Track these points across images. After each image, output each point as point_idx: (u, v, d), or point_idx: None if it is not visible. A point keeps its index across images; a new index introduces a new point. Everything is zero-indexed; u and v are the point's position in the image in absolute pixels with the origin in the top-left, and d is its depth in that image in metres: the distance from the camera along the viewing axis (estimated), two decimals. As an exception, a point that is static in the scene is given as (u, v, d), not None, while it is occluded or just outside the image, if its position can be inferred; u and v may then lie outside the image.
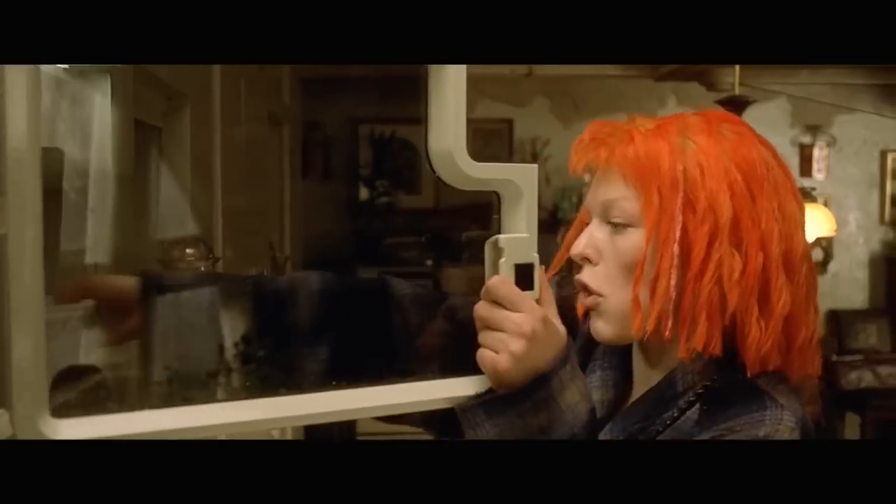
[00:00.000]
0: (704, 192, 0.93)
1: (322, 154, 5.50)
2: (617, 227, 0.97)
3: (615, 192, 0.97)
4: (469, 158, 0.87)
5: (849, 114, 5.75)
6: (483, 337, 0.89)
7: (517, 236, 0.91)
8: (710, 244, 0.92)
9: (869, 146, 5.89)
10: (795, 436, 0.91)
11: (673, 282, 0.93)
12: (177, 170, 1.61)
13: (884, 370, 5.43)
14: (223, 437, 0.87)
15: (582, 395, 0.91)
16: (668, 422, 0.96)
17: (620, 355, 1.06)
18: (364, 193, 5.50)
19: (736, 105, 3.59)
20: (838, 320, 5.79)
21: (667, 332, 0.95)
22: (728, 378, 0.96)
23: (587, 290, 1.00)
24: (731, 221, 0.93)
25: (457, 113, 0.87)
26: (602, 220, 0.99)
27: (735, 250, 0.93)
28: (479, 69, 4.53)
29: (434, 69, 0.88)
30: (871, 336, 5.71)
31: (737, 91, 3.66)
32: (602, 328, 1.00)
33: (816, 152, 5.81)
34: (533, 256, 0.91)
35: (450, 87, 0.87)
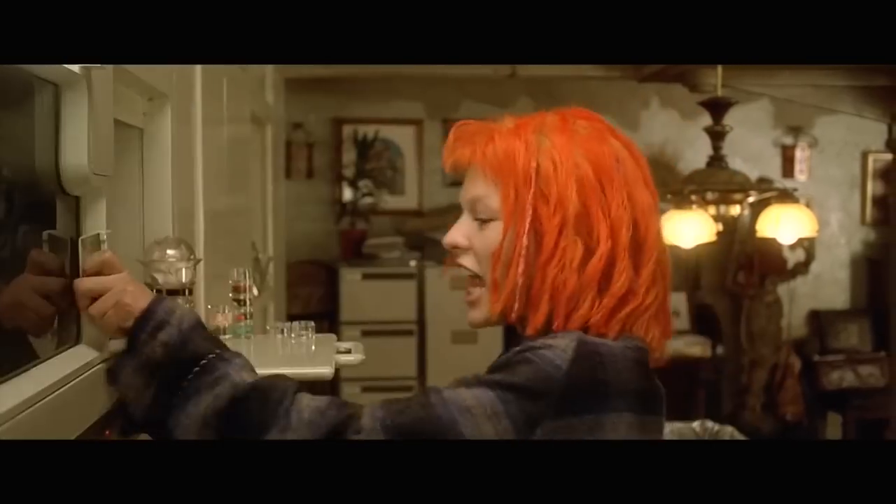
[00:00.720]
0: (556, 186, 1.02)
1: (305, 154, 5.48)
2: (482, 221, 1.08)
3: (478, 190, 1.08)
4: (92, 170, 1.04)
5: (830, 115, 5.78)
6: (96, 305, 1.04)
7: (108, 231, 1.10)
8: (559, 233, 1.02)
9: (850, 147, 5.92)
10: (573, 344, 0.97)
11: (521, 269, 1.03)
12: (158, 170, 1.60)
13: (865, 370, 5.47)
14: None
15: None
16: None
17: None
18: (347, 194, 5.48)
19: (718, 106, 3.60)
20: (820, 320, 5.82)
21: (512, 315, 1.05)
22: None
23: (470, 275, 1.10)
24: (579, 212, 1.02)
25: (88, 128, 1.01)
26: (470, 214, 1.10)
27: (579, 239, 1.02)
28: (463, 70, 4.51)
29: (66, 88, 1.00)
30: (852, 336, 5.75)
31: (719, 92, 3.67)
32: (473, 317, 1.11)
33: (798, 153, 5.84)
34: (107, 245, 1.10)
35: (81, 105, 1.00)
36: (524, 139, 1.05)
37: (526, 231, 1.03)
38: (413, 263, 5.15)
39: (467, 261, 1.10)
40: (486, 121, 1.12)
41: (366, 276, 5.10)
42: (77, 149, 1.02)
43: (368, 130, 5.42)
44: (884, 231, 5.82)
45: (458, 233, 1.10)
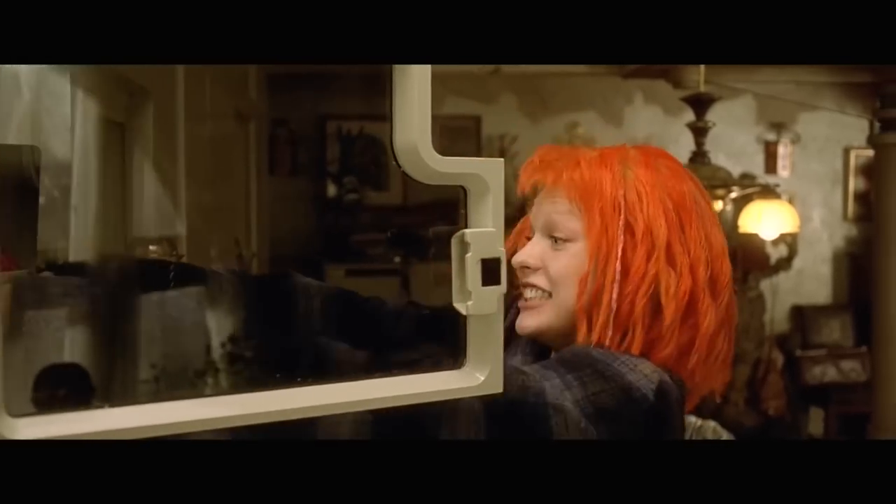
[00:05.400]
0: (643, 216, 1.04)
1: (289, 150, 5.47)
2: (558, 241, 1.08)
3: (560, 212, 1.08)
4: (435, 153, 0.88)
5: (813, 111, 5.81)
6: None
7: (483, 231, 0.91)
8: (647, 262, 1.03)
9: (832, 143, 5.96)
10: (657, 377, 0.99)
11: (615, 295, 1.03)
12: (140, 166, 1.59)
13: (847, 365, 5.51)
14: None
15: None
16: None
17: (539, 347, 1.16)
18: (331, 190, 5.47)
19: (701, 102, 3.61)
20: (802, 315, 5.86)
21: (607, 342, 1.03)
22: None
23: (535, 288, 1.10)
24: (662, 245, 1.03)
25: (421, 107, 0.88)
26: (544, 234, 1.10)
27: (670, 268, 1.03)
28: (447, 66, 4.49)
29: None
30: (834, 331, 5.78)
31: (702, 88, 3.68)
32: (529, 323, 1.10)
33: (781, 149, 5.87)
34: (499, 251, 0.91)
35: (414, 81, 0.88)
36: (611, 169, 1.07)
37: (618, 257, 1.03)
38: (397, 260, 5.15)
39: (539, 280, 1.09)
40: (569, 148, 1.13)
41: (350, 273, 5.09)
42: (410, 127, 0.95)
43: (352, 126, 5.41)
44: (866, 227, 5.86)
45: (530, 253, 1.11)
